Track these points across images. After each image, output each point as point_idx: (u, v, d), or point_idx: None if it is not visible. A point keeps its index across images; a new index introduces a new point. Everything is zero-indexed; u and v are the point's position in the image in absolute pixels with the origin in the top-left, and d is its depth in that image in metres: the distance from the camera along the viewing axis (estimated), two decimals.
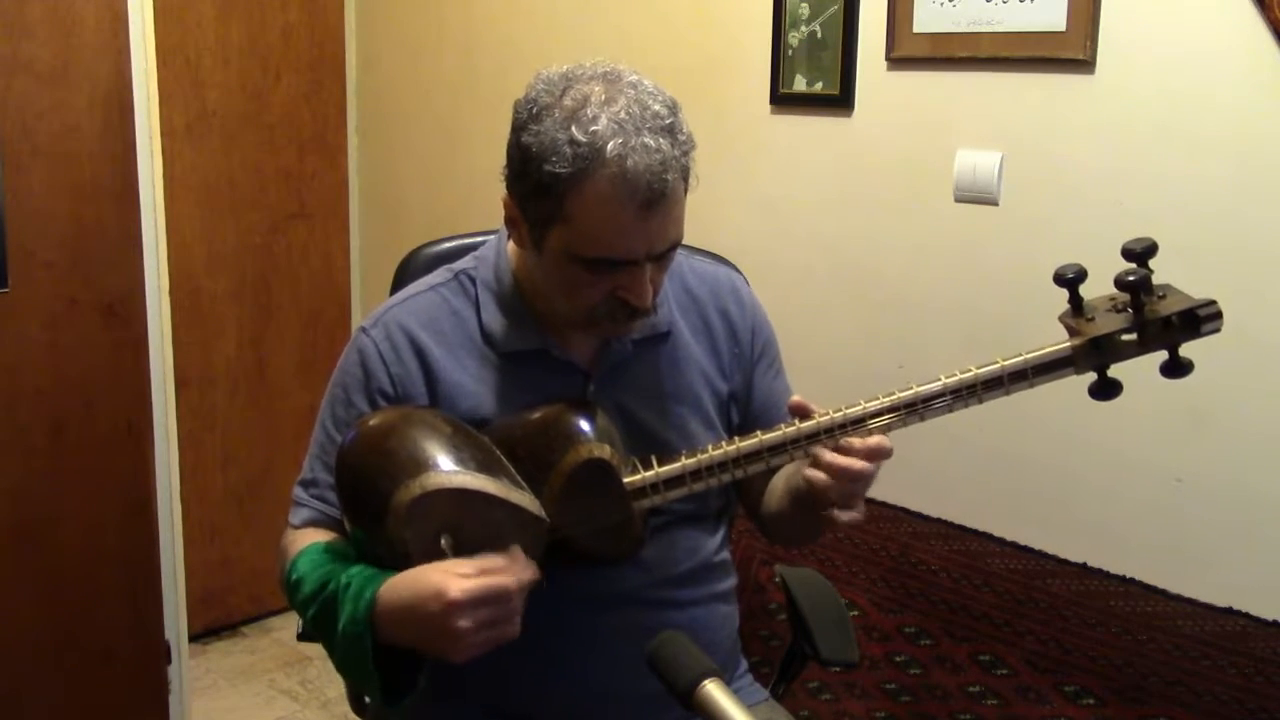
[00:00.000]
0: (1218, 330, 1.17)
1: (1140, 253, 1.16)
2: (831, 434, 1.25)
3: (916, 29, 2.10)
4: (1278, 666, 1.78)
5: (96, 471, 2.37)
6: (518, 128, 1.26)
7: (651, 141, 1.20)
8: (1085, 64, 1.91)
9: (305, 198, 3.25)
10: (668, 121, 1.23)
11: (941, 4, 2.06)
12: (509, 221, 1.34)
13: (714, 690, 0.94)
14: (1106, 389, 1.22)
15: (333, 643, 1.25)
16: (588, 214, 1.22)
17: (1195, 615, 1.87)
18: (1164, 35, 1.84)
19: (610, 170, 1.19)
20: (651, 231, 1.24)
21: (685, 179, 1.26)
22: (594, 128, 1.20)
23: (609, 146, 1.19)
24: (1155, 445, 1.90)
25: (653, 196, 1.21)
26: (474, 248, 1.51)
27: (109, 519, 2.39)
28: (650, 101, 1.23)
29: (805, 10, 2.26)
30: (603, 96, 1.22)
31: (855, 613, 2.20)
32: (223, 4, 3.01)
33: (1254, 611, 1.82)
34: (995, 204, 2.06)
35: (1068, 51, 1.92)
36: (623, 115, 1.21)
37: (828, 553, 2.27)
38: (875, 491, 1.30)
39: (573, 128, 1.20)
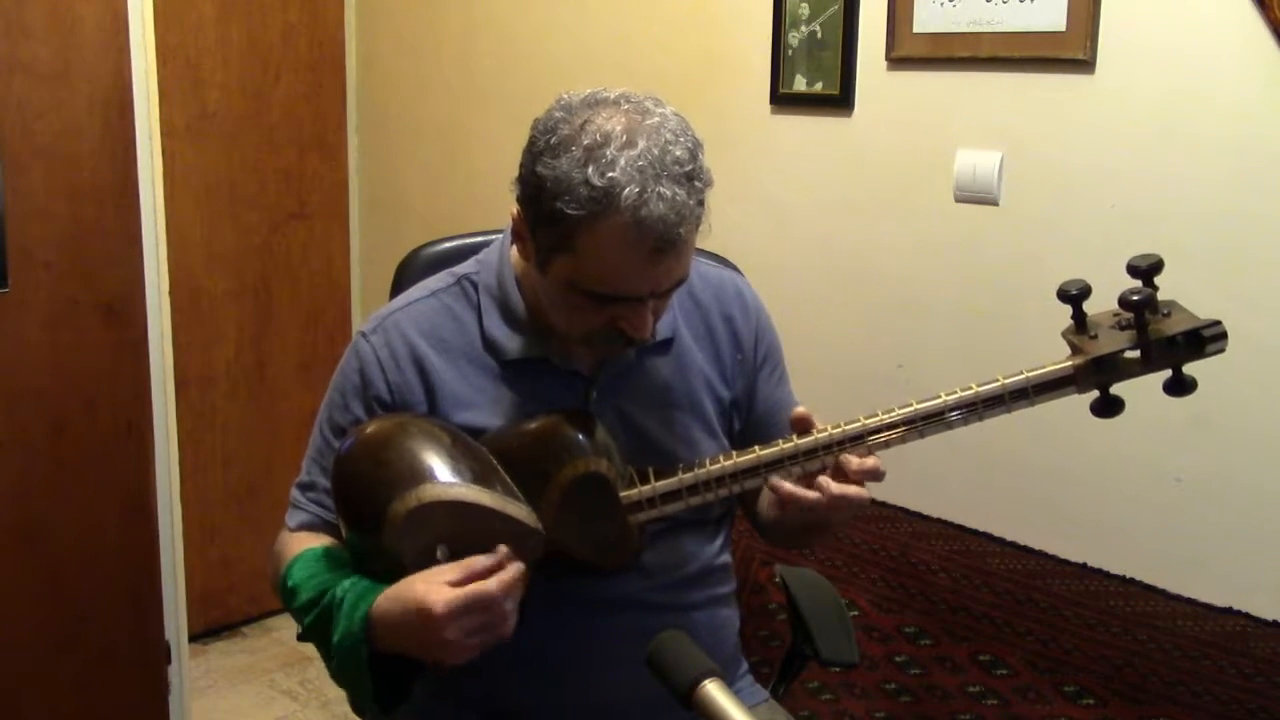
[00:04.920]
0: (1222, 350, 1.15)
1: (1146, 270, 1.15)
2: (830, 450, 1.24)
3: (916, 29, 2.10)
4: (1278, 666, 1.78)
5: (96, 471, 2.37)
6: (535, 153, 1.23)
7: (668, 191, 1.17)
8: (1085, 64, 1.91)
9: (305, 198, 3.25)
10: (688, 168, 1.20)
11: (941, 4, 2.06)
12: (516, 235, 1.32)
13: (714, 690, 0.94)
14: (1108, 407, 1.20)
15: (328, 653, 1.25)
16: (596, 254, 1.20)
17: (1195, 615, 1.87)
18: (1164, 35, 1.84)
19: (624, 218, 1.17)
20: (658, 275, 1.23)
21: (698, 225, 1.24)
22: (611, 173, 1.17)
23: (625, 194, 1.16)
24: (1155, 445, 1.90)
25: (663, 245, 1.19)
26: (474, 248, 1.50)
27: (109, 519, 2.39)
28: (672, 145, 1.20)
29: (805, 10, 2.26)
30: (624, 137, 1.18)
31: (855, 613, 2.19)
32: (223, 4, 3.00)
33: (1254, 611, 1.82)
34: (995, 204, 2.06)
35: (1068, 51, 1.92)
36: (641, 161, 1.17)
37: (828, 553, 2.27)
38: (875, 491, 1.30)
39: (589, 169, 1.17)
